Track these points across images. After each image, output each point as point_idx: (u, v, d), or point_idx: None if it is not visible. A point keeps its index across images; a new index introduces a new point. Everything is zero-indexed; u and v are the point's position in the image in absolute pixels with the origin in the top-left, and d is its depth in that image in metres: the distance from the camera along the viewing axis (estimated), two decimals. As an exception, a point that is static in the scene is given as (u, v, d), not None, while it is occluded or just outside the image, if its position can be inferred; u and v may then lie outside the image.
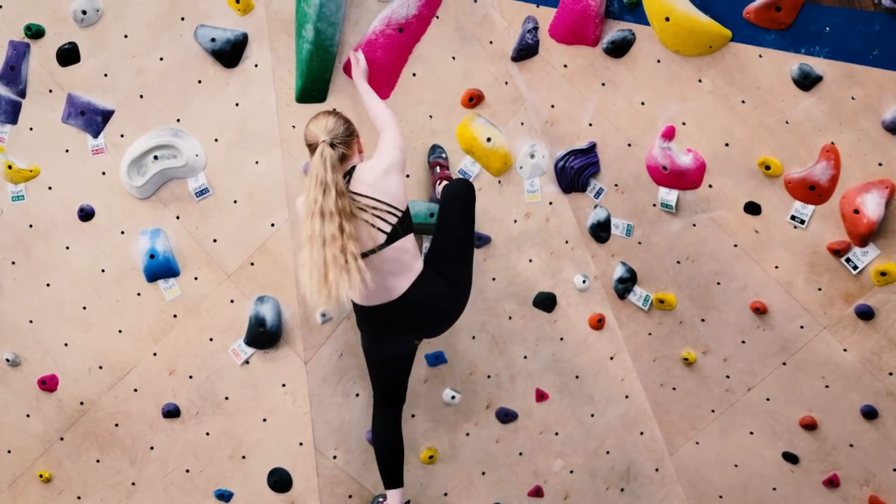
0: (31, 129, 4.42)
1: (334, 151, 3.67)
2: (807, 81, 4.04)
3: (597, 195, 4.49)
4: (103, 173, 4.43)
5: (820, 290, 4.22)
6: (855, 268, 4.13)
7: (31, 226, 4.49)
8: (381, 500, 4.53)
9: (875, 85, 3.95)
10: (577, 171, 4.43)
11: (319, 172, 3.61)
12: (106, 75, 4.35)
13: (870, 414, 4.28)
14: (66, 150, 4.43)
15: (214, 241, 4.46)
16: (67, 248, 4.50)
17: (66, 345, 4.58)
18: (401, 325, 3.94)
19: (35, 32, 4.31)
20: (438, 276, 3.90)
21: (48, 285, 4.54)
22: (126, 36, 4.32)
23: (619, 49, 4.27)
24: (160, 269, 4.47)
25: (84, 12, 4.28)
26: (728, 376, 4.53)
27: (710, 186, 4.30)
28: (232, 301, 4.51)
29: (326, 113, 3.82)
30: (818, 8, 3.98)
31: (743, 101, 4.16)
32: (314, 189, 3.61)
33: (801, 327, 4.30)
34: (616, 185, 4.45)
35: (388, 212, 3.73)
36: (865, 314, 4.15)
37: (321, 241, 3.58)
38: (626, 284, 4.55)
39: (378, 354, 4.11)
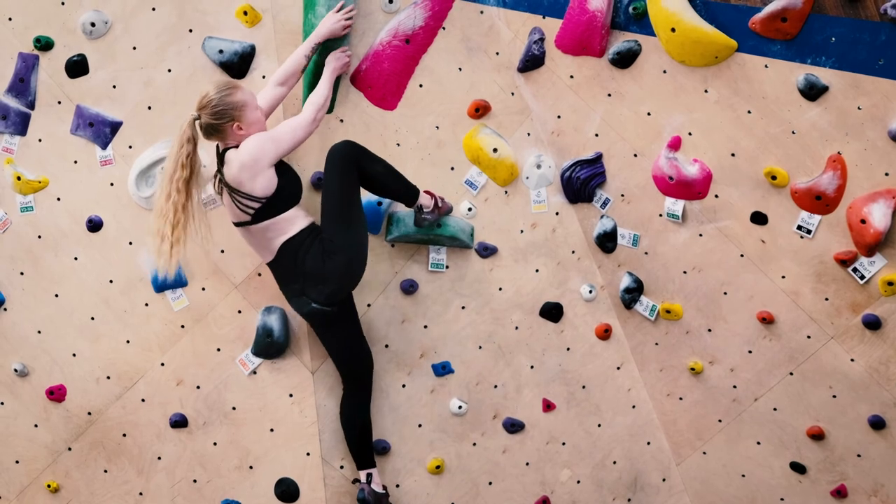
0: (39, 140, 4.45)
1: (192, 129, 3.84)
2: (813, 91, 4.05)
3: (603, 205, 4.49)
4: (112, 184, 4.46)
5: (827, 299, 4.22)
6: (862, 277, 4.13)
7: (39, 237, 4.51)
8: (361, 483, 4.45)
9: (881, 95, 3.95)
10: (583, 182, 4.44)
11: (172, 144, 3.87)
12: (114, 87, 4.38)
13: (877, 424, 4.27)
14: (75, 162, 4.46)
15: (222, 251, 4.48)
16: (76, 258, 4.52)
17: (74, 355, 4.59)
18: (288, 282, 4.11)
19: (44, 44, 4.34)
20: (312, 235, 4.05)
21: (56, 296, 4.56)
22: (134, 48, 4.35)
23: (625, 60, 4.28)
24: (168, 280, 4.48)
25: (93, 24, 4.31)
26: (735, 386, 4.52)
27: (717, 196, 4.31)
28: (239, 311, 4.53)
29: (213, 85, 3.87)
30: (824, 18, 3.99)
31: (749, 112, 4.17)
32: (167, 161, 3.89)
33: (808, 337, 4.30)
34: (622, 196, 4.46)
35: (249, 199, 3.91)
36: (872, 324, 4.15)
37: (156, 214, 3.88)
38: (632, 294, 4.55)
39: (302, 316, 4.25)
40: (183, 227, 3.87)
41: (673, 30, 4.13)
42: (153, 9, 4.31)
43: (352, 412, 4.42)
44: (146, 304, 4.54)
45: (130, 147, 4.42)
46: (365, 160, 4.08)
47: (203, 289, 4.52)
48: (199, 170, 3.94)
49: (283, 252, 4.04)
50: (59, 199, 4.49)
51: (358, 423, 4.41)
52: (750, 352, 4.44)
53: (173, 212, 3.83)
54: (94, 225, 4.49)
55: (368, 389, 4.42)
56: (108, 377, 4.60)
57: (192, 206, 3.92)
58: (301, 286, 4.08)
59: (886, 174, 4.00)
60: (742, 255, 4.34)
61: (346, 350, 4.31)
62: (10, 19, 4.35)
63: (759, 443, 4.55)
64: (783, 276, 4.28)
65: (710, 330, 4.49)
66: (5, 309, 4.59)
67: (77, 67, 4.37)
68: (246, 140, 3.89)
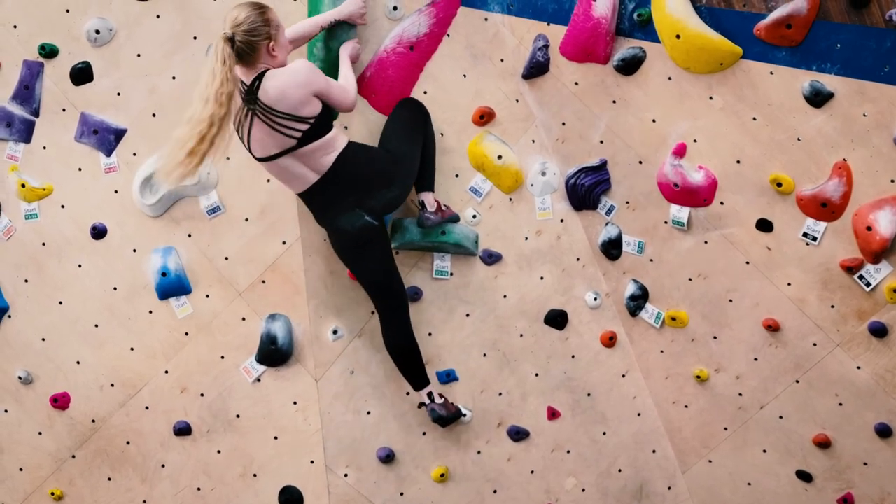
0: (44, 147, 4.45)
1: (230, 47, 3.63)
2: (818, 98, 4.04)
3: (608, 212, 4.48)
4: (116, 191, 4.46)
5: (833, 307, 4.21)
6: (868, 285, 4.11)
7: (43, 244, 4.51)
8: (427, 404, 4.41)
9: (887, 102, 3.94)
10: (588, 189, 4.43)
11: (211, 62, 3.61)
12: (119, 94, 4.38)
13: (884, 432, 4.25)
14: (79, 169, 4.46)
15: (226, 258, 4.48)
16: (80, 266, 4.52)
17: (78, 362, 4.59)
18: (338, 198, 4.01)
19: (49, 52, 4.34)
20: (364, 147, 4.11)
21: (61, 303, 4.55)
22: (139, 55, 4.35)
23: (630, 66, 4.27)
24: (172, 287, 4.48)
25: (97, 32, 4.32)
26: (741, 394, 4.50)
27: (722, 203, 4.30)
28: (243, 319, 4.52)
29: (244, 5, 3.75)
30: (829, 25, 3.98)
31: (754, 118, 4.16)
32: (204, 76, 3.63)
33: (814, 345, 4.28)
34: (627, 203, 4.45)
35: (296, 121, 3.78)
36: (879, 331, 4.13)
37: (190, 122, 3.60)
38: (637, 302, 4.54)
39: (344, 243, 4.13)
40: (211, 142, 3.59)
41: (678, 36, 4.12)
42: (157, 16, 4.32)
43: (396, 338, 4.30)
44: (150, 312, 4.54)
45: (135, 154, 4.42)
46: (429, 126, 4.29)
47: (207, 296, 4.52)
48: (236, 90, 3.67)
49: (338, 165, 3.94)
50: (63, 207, 4.49)
51: (404, 348, 4.32)
52: (756, 359, 4.42)
53: (209, 124, 3.56)
54: (98, 232, 4.49)
55: (406, 311, 4.30)
56: (112, 385, 4.60)
57: (228, 122, 3.63)
58: (356, 199, 4.00)
59: (892, 181, 3.99)
60: (747, 263, 4.32)
61: (384, 272, 4.20)
62: (14, 27, 4.35)
63: (765, 451, 4.53)
64: (789, 284, 4.27)
65: (715, 337, 4.48)
66: (10, 316, 4.59)
67: (82, 75, 4.38)
68: (294, 62, 3.82)
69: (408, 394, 4.58)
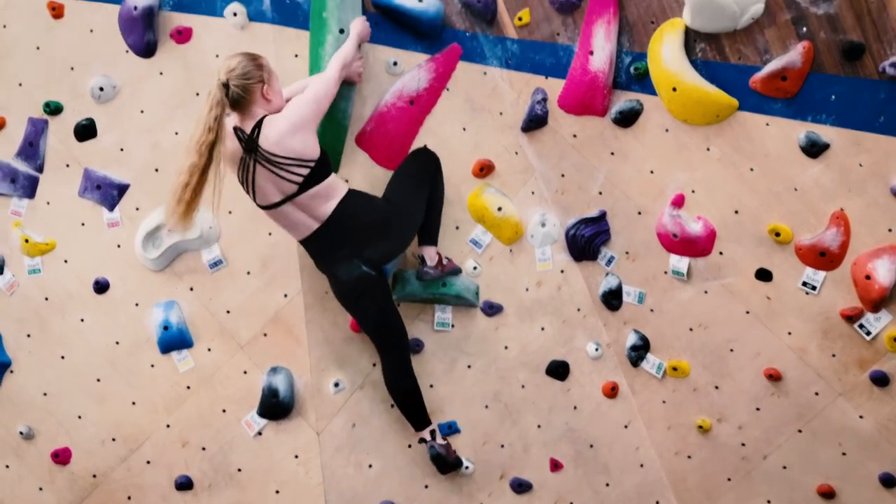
0: (48, 203, 4.49)
1: (223, 93, 3.71)
2: (814, 149, 4.08)
3: (608, 263, 4.50)
4: (118, 246, 4.49)
5: (834, 356, 4.21)
6: (868, 333, 4.12)
7: (46, 299, 4.54)
8: (427, 441, 4.40)
9: (882, 152, 3.98)
10: (588, 240, 4.46)
11: (201, 110, 3.70)
12: (122, 150, 4.43)
13: (888, 481, 4.23)
14: (82, 224, 4.49)
15: (228, 312, 4.49)
16: (82, 320, 4.54)
17: (79, 417, 4.59)
18: (336, 247, 4.02)
19: (54, 109, 4.40)
20: (363, 196, 4.10)
21: (63, 358, 4.56)
22: (142, 111, 4.41)
23: (628, 119, 4.32)
24: (174, 341, 4.49)
25: (101, 89, 4.38)
26: (744, 444, 4.48)
27: (721, 254, 4.32)
28: (245, 372, 4.52)
29: (240, 53, 3.84)
30: (823, 77, 4.03)
31: (751, 169, 4.20)
32: (194, 126, 3.70)
33: (816, 394, 4.27)
34: (627, 253, 4.47)
35: (297, 166, 3.82)
36: (880, 380, 4.13)
37: (178, 172, 3.70)
38: (639, 352, 4.54)
39: (341, 291, 4.15)
40: (193, 191, 3.67)
41: (674, 89, 4.17)
42: (161, 73, 4.38)
43: (398, 379, 4.31)
44: (152, 366, 4.55)
45: (137, 209, 4.46)
46: (438, 178, 4.29)
47: (209, 349, 4.53)
48: (223, 137, 3.73)
49: (338, 213, 3.96)
50: (66, 262, 4.52)
51: (405, 388, 4.32)
52: (758, 409, 4.41)
53: (188, 174, 3.66)
54: (101, 286, 4.51)
55: (407, 353, 4.32)
56: (114, 439, 4.59)
57: (212, 172, 3.71)
58: (353, 249, 4.01)
59: (890, 230, 4.02)
60: (748, 312, 4.33)
61: (383, 316, 4.21)
62: (20, 84, 4.41)
63: (769, 501, 4.50)
64: (789, 333, 4.27)
65: (717, 387, 4.47)
66: (12, 371, 4.59)
67: (85, 131, 4.43)
68: (287, 105, 3.85)
69: (410, 446, 4.57)
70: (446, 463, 4.39)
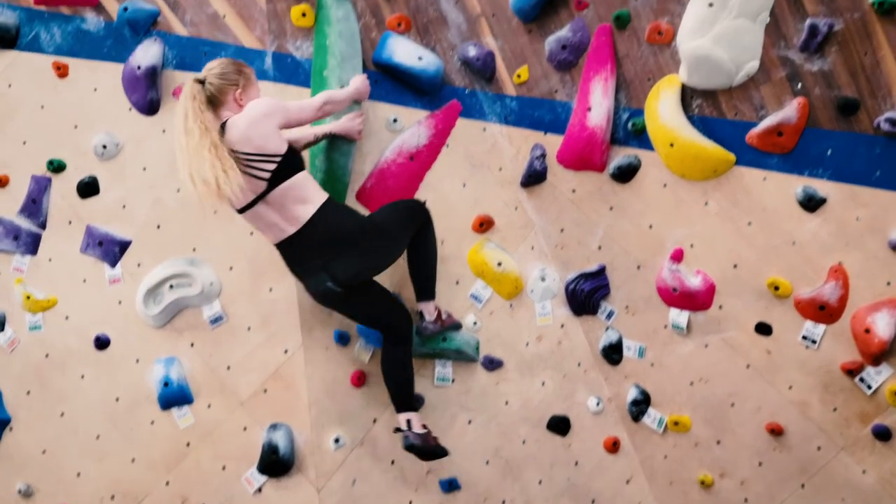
0: (49, 259, 4.51)
1: (198, 87, 3.75)
2: (812, 203, 4.11)
3: (608, 317, 4.51)
4: (120, 302, 4.50)
5: (835, 410, 4.20)
6: (869, 387, 4.11)
7: (47, 355, 4.54)
8: (403, 430, 4.25)
9: (879, 206, 4.01)
10: (587, 294, 4.47)
11: (181, 101, 3.74)
12: (124, 207, 4.47)
13: (893, 537, 4.20)
14: (84, 280, 4.51)
15: (228, 368, 4.49)
16: (82, 377, 4.53)
17: (78, 474, 4.56)
18: (307, 257, 3.94)
19: (57, 167, 4.44)
20: (346, 209, 4.03)
21: (62, 415, 4.55)
22: (144, 168, 4.45)
23: (626, 174, 4.36)
24: (174, 397, 4.49)
25: (104, 146, 4.42)
26: (746, 500, 4.45)
27: (721, 308, 4.33)
28: (245, 428, 4.51)
29: (227, 59, 3.92)
30: (819, 132, 4.08)
31: (749, 223, 4.22)
32: (178, 115, 3.74)
33: (819, 448, 4.26)
34: (627, 307, 4.48)
35: (262, 160, 3.76)
36: (882, 434, 4.11)
37: (188, 151, 3.67)
38: (640, 407, 4.53)
39: (314, 296, 4.10)
40: (220, 158, 3.63)
41: (672, 145, 4.21)
42: (163, 130, 4.42)
43: (389, 366, 4.24)
44: (152, 422, 4.53)
45: (139, 265, 4.48)
46: (427, 231, 4.22)
47: (209, 406, 4.52)
48: (214, 120, 3.76)
49: (312, 221, 3.86)
50: (67, 318, 4.53)
51: (397, 377, 4.24)
52: (760, 464, 4.39)
53: (207, 149, 3.63)
54: (102, 343, 4.51)
55: (405, 345, 4.23)
56: (113, 496, 4.56)
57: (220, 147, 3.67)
58: (322, 261, 3.93)
59: (888, 283, 4.04)
60: (748, 366, 4.33)
61: (370, 318, 4.20)
62: (24, 143, 4.46)
63: (773, 558, 4.47)
64: (790, 387, 4.26)
65: (719, 442, 4.45)
66: (11, 429, 4.58)
67: (88, 188, 4.47)
68: (252, 102, 3.83)
69: (410, 502, 4.54)
70: (425, 451, 4.22)
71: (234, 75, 3.84)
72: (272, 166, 3.78)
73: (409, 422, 4.24)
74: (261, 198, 3.84)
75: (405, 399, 4.26)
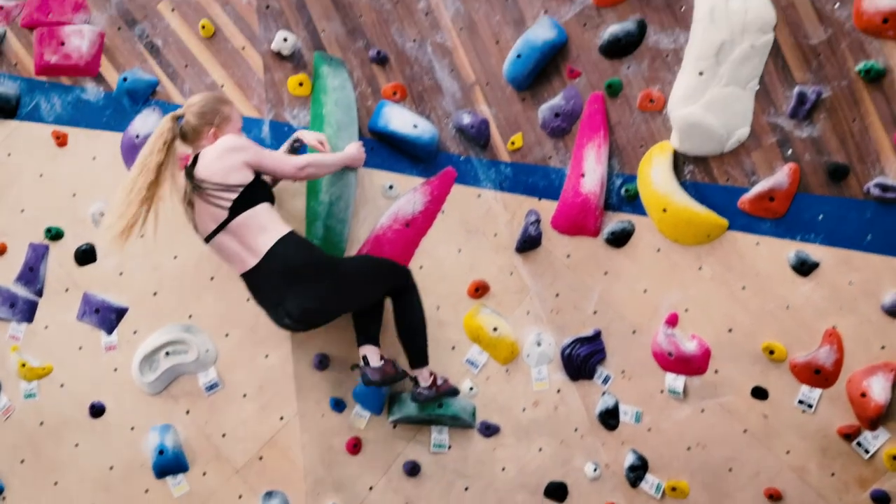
0: (46, 327, 4.51)
1: (173, 123, 3.88)
2: (804, 267, 4.14)
3: (604, 382, 4.50)
4: (115, 370, 4.49)
5: (833, 475, 4.18)
6: (867, 452, 4.10)
7: (41, 423, 4.52)
8: (357, 367, 4.23)
9: (871, 270, 4.04)
10: (583, 359, 4.47)
11: (152, 135, 3.87)
12: (121, 274, 4.48)
13: None
14: (80, 348, 4.51)
15: (223, 435, 4.47)
16: (77, 445, 4.51)
17: (71, 545, 4.52)
18: (266, 290, 3.96)
19: (55, 234, 4.47)
20: (307, 244, 4.00)
21: (56, 484, 4.51)
22: (142, 235, 4.43)
23: (620, 239, 4.39)
24: (169, 465, 4.46)
25: (102, 214, 4.45)
26: (747, 566, 4.42)
27: (716, 372, 4.33)
28: (240, 496, 4.47)
29: (210, 93, 4.04)
30: (810, 197, 4.12)
31: (743, 288, 4.25)
32: (144, 147, 3.87)
33: (818, 514, 4.24)
34: (623, 372, 4.48)
35: (223, 190, 3.83)
36: (881, 499, 4.09)
37: (128, 185, 3.82)
38: (637, 472, 4.50)
39: (283, 328, 4.11)
40: (135, 206, 3.79)
41: (665, 210, 4.25)
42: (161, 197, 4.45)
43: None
44: (146, 491, 4.50)
45: (135, 332, 4.48)
46: (410, 296, 4.21)
47: (204, 473, 4.48)
48: (174, 161, 3.89)
49: (274, 250, 3.88)
50: (62, 386, 4.51)
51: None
52: (760, 530, 4.37)
53: (129, 189, 3.79)
54: (97, 410, 4.49)
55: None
56: (106, 567, 4.51)
57: (156, 193, 3.84)
58: (278, 296, 3.93)
59: (883, 347, 4.05)
60: (745, 431, 4.32)
61: (360, 302, 4.19)
62: (22, 211, 4.49)
63: None
64: (788, 452, 4.25)
65: (717, 507, 4.43)
66: (4, 498, 4.54)
67: (86, 256, 4.49)
68: (223, 136, 3.92)
69: (407, 572, 4.50)
70: (385, 381, 4.19)
71: (211, 115, 3.94)
72: (233, 195, 3.85)
73: (364, 358, 4.21)
74: (222, 227, 3.90)
75: (361, 329, 4.24)
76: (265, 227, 3.89)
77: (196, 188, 3.87)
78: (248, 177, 3.87)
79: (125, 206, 3.79)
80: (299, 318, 3.96)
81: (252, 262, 3.92)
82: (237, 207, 3.86)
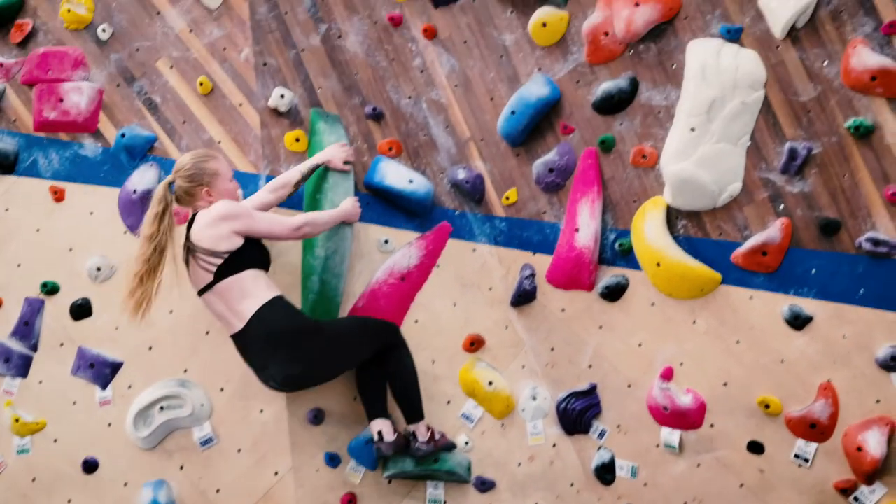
0: (40, 382, 4.50)
1: (166, 190, 3.95)
2: (798, 321, 4.16)
3: (600, 436, 4.50)
4: (109, 425, 4.47)
5: (831, 530, 4.17)
6: (864, 507, 4.10)
7: (34, 479, 4.48)
8: (375, 441, 4.27)
9: (864, 324, 4.07)
10: (579, 413, 4.47)
11: (151, 203, 3.96)
12: (117, 328, 4.48)
13: None
14: (74, 403, 4.49)
15: (218, 491, 4.44)
16: (70, 501, 4.47)
17: None
18: (252, 354, 3.99)
19: (50, 289, 4.47)
20: (292, 308, 4.02)
21: (48, 541, 4.48)
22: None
23: (614, 293, 4.41)
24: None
25: (98, 269, 4.47)
26: None
27: (712, 426, 4.33)
28: (235, 554, 4.44)
29: (195, 152, 4.08)
30: (803, 252, 4.16)
31: (738, 342, 4.26)
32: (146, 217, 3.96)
33: (816, 570, 4.21)
34: (618, 427, 4.47)
35: (211, 255, 3.88)
36: (879, 555, 4.08)
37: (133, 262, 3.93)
38: (634, 527, 4.48)
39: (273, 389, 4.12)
40: (140, 279, 3.90)
41: (658, 264, 4.28)
42: (157, 253, 4.47)
43: (365, 371, 4.29)
44: (139, 548, 4.46)
45: (130, 387, 4.47)
46: (400, 353, 4.25)
47: (198, 530, 4.46)
48: (171, 227, 3.95)
49: (256, 318, 3.91)
50: (55, 441, 4.49)
51: (365, 378, 4.29)
52: (757, 586, 4.33)
53: (137, 264, 3.89)
54: (90, 466, 4.47)
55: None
56: None
57: (160, 262, 3.93)
58: (263, 359, 3.96)
59: (878, 401, 4.06)
60: (742, 485, 4.31)
61: (339, 370, 4.22)
62: (18, 266, 4.50)
63: None
64: (785, 507, 4.25)
65: (715, 563, 4.40)
66: (-5, 555, 4.50)
67: (81, 310, 4.49)
68: (218, 202, 3.96)
69: None
70: (398, 453, 4.28)
71: (199, 175, 3.99)
72: (219, 261, 3.90)
73: (380, 433, 4.25)
74: (208, 288, 3.95)
75: (369, 404, 4.29)
76: (249, 293, 3.94)
77: (192, 248, 3.94)
78: (235, 243, 3.92)
79: (132, 284, 3.92)
80: (283, 383, 4.01)
81: (238, 325, 3.97)
82: (222, 273, 3.92)
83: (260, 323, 3.92)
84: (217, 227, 3.90)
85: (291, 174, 4.31)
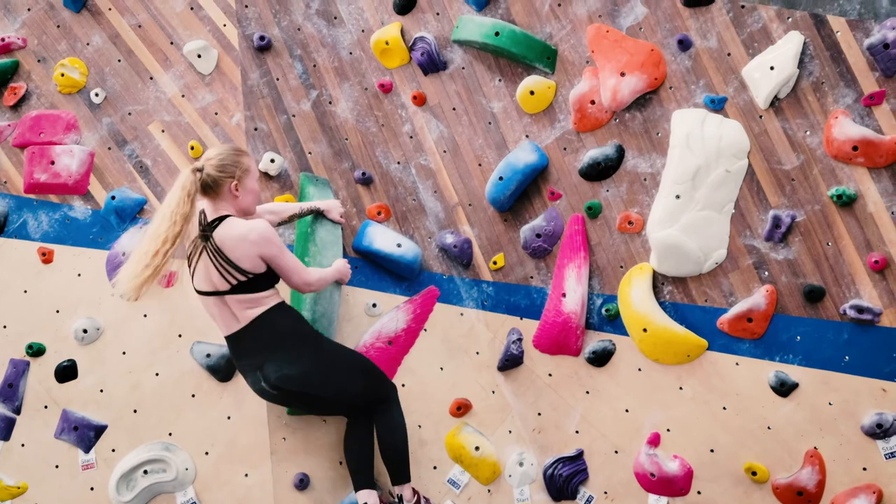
0: (22, 445, 4.46)
1: (196, 177, 3.75)
2: (784, 388, 4.17)
3: (587, 503, 4.47)
4: (91, 489, 4.43)
5: None
6: (852, 576, 4.07)
7: (13, 545, 4.43)
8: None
9: (850, 391, 4.08)
10: (566, 479, 4.45)
11: (174, 186, 3.75)
12: (102, 391, 4.46)
13: None
14: (56, 466, 4.45)
15: (207, 537, 4.40)
16: (49, 567, 4.41)
17: None
18: (247, 354, 3.94)
19: (36, 351, 4.45)
20: (296, 315, 4.01)
21: None
22: (124, 353, 4.47)
23: (601, 358, 4.42)
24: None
25: (85, 331, 4.45)
26: None
27: (699, 493, 4.31)
28: None
29: (227, 145, 4.06)
30: (788, 318, 4.19)
31: (724, 408, 4.27)
32: (168, 197, 3.75)
33: None
34: (605, 493, 4.45)
35: (235, 270, 3.78)
36: None
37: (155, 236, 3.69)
38: None
39: (258, 394, 4.07)
40: (164, 255, 3.65)
41: (645, 330, 4.30)
42: (145, 315, 4.47)
43: (350, 437, 4.25)
44: None
45: (113, 450, 4.43)
46: (392, 411, 4.19)
47: None
48: (192, 213, 3.74)
49: (257, 321, 3.88)
50: (36, 505, 4.45)
51: (351, 446, 4.24)
52: None
53: (163, 241, 3.65)
54: (71, 531, 4.41)
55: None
56: None
57: (177, 244, 3.71)
58: (259, 361, 3.92)
59: (864, 469, 4.06)
60: (730, 553, 4.29)
61: (323, 409, 4.24)
62: (4, 327, 4.49)
63: None
64: (773, 575, 4.21)
65: None
66: None
67: (66, 372, 4.47)
68: (256, 221, 3.83)
69: None
70: None
71: (231, 167, 3.85)
72: (242, 278, 3.82)
73: (400, 496, 4.21)
74: (217, 294, 3.87)
75: (356, 474, 4.22)
76: (258, 304, 3.90)
77: (212, 249, 3.81)
78: (260, 267, 3.85)
79: (151, 257, 3.67)
80: (276, 384, 3.93)
81: (237, 327, 3.93)
82: (240, 288, 3.85)
83: (265, 323, 3.90)
84: (244, 246, 3.77)
85: (289, 206, 4.32)
